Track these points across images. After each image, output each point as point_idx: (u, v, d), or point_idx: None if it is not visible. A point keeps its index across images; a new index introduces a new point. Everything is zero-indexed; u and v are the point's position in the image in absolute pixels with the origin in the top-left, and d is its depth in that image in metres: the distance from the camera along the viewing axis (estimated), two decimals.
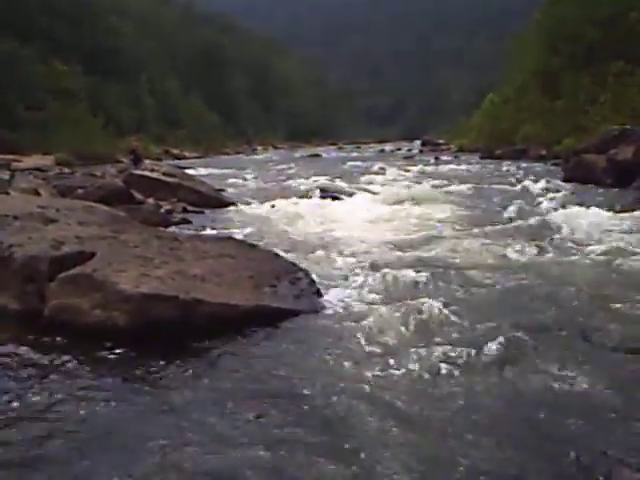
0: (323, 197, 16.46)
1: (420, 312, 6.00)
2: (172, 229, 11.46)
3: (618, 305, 6.39)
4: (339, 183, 19.94)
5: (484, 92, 61.27)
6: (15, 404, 4.38)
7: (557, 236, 10.19)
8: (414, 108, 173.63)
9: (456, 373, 4.79)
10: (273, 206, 14.85)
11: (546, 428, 4.03)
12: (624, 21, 34.15)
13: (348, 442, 3.87)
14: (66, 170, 28.34)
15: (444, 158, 38.30)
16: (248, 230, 11.68)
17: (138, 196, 14.31)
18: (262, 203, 15.52)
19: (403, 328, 5.75)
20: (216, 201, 16.06)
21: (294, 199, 15.73)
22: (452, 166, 29.35)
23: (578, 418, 4.10)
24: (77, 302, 5.71)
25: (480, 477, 3.53)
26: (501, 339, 5.28)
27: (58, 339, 5.54)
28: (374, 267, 8.10)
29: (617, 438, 3.90)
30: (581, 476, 3.56)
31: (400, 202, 15.01)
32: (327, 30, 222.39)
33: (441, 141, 68.31)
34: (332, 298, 6.73)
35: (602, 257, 8.63)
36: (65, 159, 34.80)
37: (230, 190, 19.32)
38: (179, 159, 47.89)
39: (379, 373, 4.82)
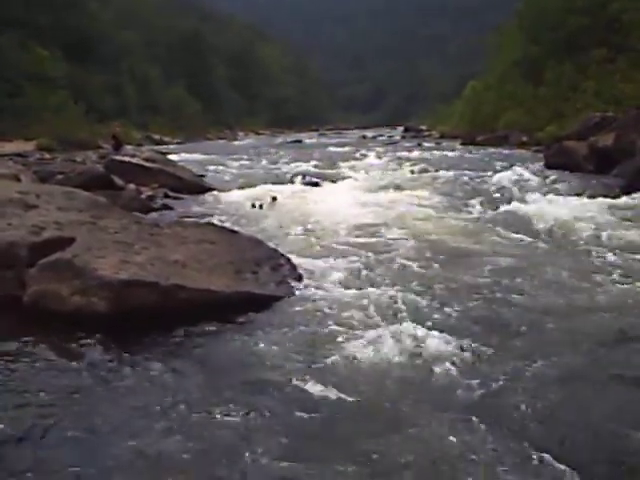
0: (304, 183, 16.47)
1: (398, 297, 6.05)
2: (153, 215, 11.43)
3: (586, 294, 6.46)
4: (320, 169, 19.92)
5: (466, 80, 61.24)
6: None
7: (536, 223, 10.24)
8: (396, 96, 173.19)
9: (430, 358, 4.84)
10: (260, 199, 14.82)
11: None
12: (605, 9, 34.26)
13: (319, 424, 3.91)
14: (47, 156, 28.15)
15: (426, 144, 38.27)
16: (229, 216, 11.67)
17: (119, 182, 14.23)
18: (243, 189, 15.47)
19: (382, 312, 5.79)
20: (197, 187, 16.00)
21: (276, 185, 15.69)
22: (433, 152, 29.35)
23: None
24: (57, 288, 5.69)
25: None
26: (472, 324, 5.36)
27: (37, 325, 5.53)
28: (354, 253, 8.14)
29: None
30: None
31: (381, 189, 15.03)
32: (309, 19, 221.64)
33: (423, 127, 68.27)
34: (314, 284, 6.76)
35: (582, 244, 8.71)
36: (47, 145, 34.52)
37: (211, 176, 19.25)
38: (160, 144, 47.62)
39: (358, 357, 4.85)
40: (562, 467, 3.51)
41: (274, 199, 13.32)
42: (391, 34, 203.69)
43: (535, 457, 3.59)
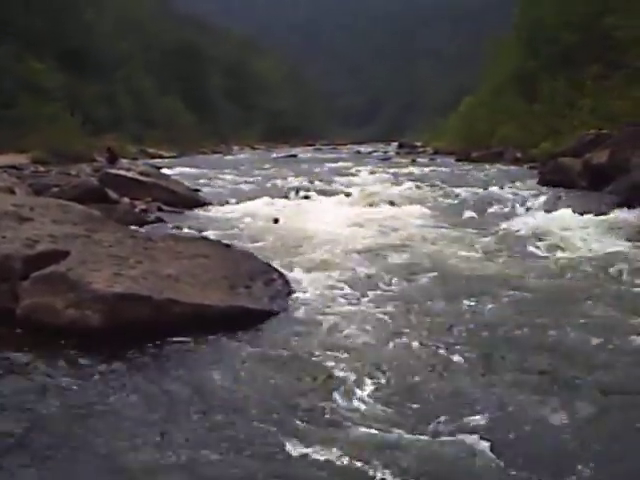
0: (299, 198, 16.47)
1: (390, 313, 6.08)
2: (147, 228, 11.44)
3: (583, 309, 6.49)
4: (315, 184, 19.95)
5: (463, 93, 61.42)
6: None
7: (530, 240, 10.27)
8: (393, 105, 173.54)
9: (425, 371, 4.86)
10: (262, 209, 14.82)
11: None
12: (599, 25, 34.36)
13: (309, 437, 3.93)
14: (41, 168, 28.09)
15: (420, 160, 38.35)
16: (223, 230, 11.68)
17: (113, 195, 14.25)
18: (238, 203, 15.49)
19: (374, 328, 5.81)
20: (191, 201, 16.01)
21: (270, 200, 15.71)
22: (428, 169, 29.39)
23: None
24: (50, 301, 5.70)
25: None
26: (467, 339, 5.39)
27: (30, 338, 5.54)
28: (348, 268, 8.16)
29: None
30: None
31: (375, 204, 15.05)
32: (307, 28, 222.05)
33: (418, 143, 68.35)
34: (307, 299, 6.78)
35: (575, 261, 8.74)
36: (41, 157, 34.46)
37: (206, 190, 19.27)
38: (155, 158, 47.55)
39: (350, 374, 4.86)
40: None
41: (276, 221, 12.69)
42: (390, 39, 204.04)
43: None
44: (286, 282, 7.09)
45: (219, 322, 5.88)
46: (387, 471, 3.62)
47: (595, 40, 34.63)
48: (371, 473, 3.61)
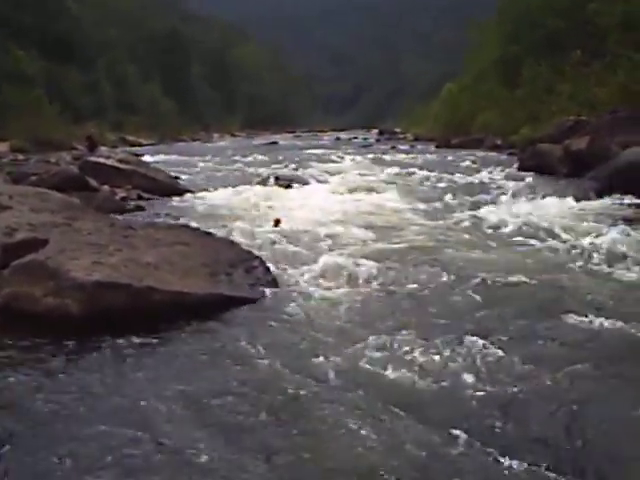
0: (279, 185, 16.45)
1: (370, 299, 6.12)
2: (126, 216, 11.41)
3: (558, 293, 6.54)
4: (295, 171, 19.95)
5: (446, 80, 61.46)
6: None
7: (509, 227, 10.30)
8: (374, 95, 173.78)
9: (403, 360, 4.89)
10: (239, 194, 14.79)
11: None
12: (582, 12, 34.42)
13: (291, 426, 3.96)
14: (20, 157, 27.97)
15: (401, 147, 38.41)
16: (203, 218, 11.67)
17: (93, 183, 14.20)
18: (217, 191, 15.47)
19: (354, 315, 5.84)
20: (171, 188, 15.97)
21: (250, 187, 15.69)
22: (407, 155, 29.48)
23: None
24: (30, 290, 5.69)
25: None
26: (447, 325, 5.44)
27: (9, 327, 5.52)
28: (328, 254, 8.18)
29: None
30: None
31: (355, 191, 15.06)
32: (291, 17, 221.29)
33: (398, 130, 68.42)
34: (287, 286, 6.80)
35: (554, 247, 8.79)
36: (21, 146, 34.25)
37: (185, 177, 19.24)
38: (135, 146, 47.45)
39: (331, 361, 4.89)
40: None
41: (277, 224, 10.59)
42: (373, 27, 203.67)
43: None
44: (266, 269, 7.10)
45: (199, 309, 5.89)
46: (358, 457, 3.65)
47: (578, 26, 34.70)
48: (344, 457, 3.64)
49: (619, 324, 5.54)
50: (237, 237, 8.97)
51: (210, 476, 3.48)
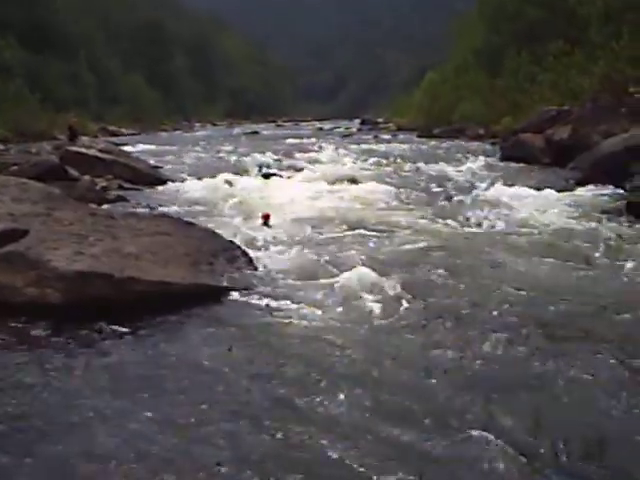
0: (260, 175, 16.42)
1: (353, 288, 6.12)
2: (107, 206, 11.37)
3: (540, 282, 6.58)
4: (277, 161, 19.91)
5: (427, 71, 61.45)
6: None
7: (490, 216, 10.35)
8: (356, 85, 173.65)
9: (381, 347, 4.92)
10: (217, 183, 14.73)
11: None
12: (564, 2, 34.49)
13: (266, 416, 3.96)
14: (1, 147, 27.79)
15: (382, 137, 38.41)
16: (184, 207, 11.67)
17: (73, 173, 14.15)
18: (199, 180, 15.40)
19: (336, 304, 5.86)
20: (152, 178, 15.92)
21: (231, 176, 15.63)
22: (390, 145, 29.51)
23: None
24: (10, 280, 5.67)
25: None
26: (429, 311, 5.48)
27: None
28: (310, 244, 8.20)
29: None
30: None
31: (336, 180, 15.03)
32: (274, 6, 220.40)
33: (380, 120, 68.40)
34: (269, 275, 6.79)
35: (535, 236, 8.84)
36: (1, 135, 34.09)
37: (167, 167, 19.16)
38: (116, 136, 47.25)
39: (311, 348, 4.91)
40: None
41: (266, 220, 9.81)
42: (356, 19, 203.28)
43: None
44: (249, 259, 7.10)
45: (181, 299, 5.88)
46: (346, 448, 3.66)
47: (560, 16, 34.79)
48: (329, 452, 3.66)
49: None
50: (219, 227, 8.93)
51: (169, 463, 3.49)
